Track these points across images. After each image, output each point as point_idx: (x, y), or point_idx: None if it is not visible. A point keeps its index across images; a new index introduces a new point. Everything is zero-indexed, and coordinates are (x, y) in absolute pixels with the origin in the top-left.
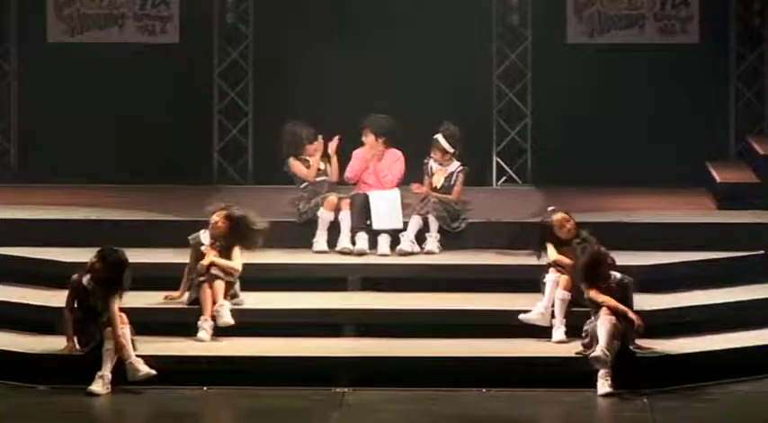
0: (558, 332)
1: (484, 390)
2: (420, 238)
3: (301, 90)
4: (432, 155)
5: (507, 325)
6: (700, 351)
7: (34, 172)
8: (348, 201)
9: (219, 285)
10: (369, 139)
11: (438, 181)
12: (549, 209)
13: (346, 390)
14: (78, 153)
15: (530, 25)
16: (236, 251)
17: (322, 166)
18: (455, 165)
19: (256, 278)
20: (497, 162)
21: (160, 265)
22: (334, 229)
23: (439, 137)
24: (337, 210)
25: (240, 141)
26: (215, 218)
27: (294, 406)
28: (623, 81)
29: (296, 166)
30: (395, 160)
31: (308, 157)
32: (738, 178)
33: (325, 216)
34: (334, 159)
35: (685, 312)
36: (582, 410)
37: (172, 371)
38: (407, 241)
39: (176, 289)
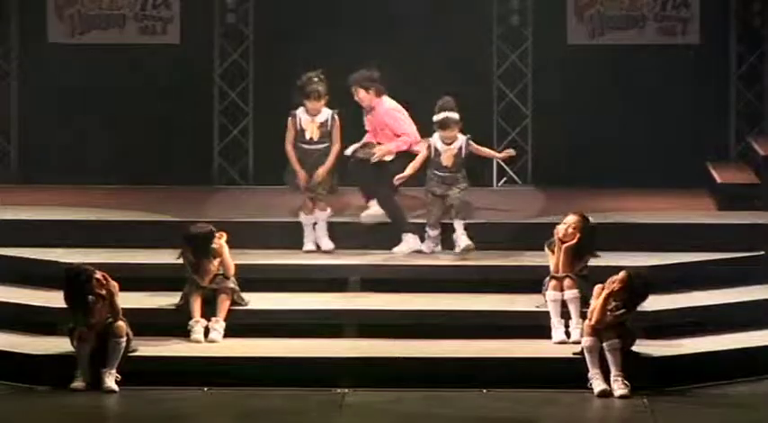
0: (558, 332)
1: (484, 390)
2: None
3: None
4: (442, 134)
5: (507, 325)
6: (700, 351)
7: (34, 172)
8: (323, 202)
9: (225, 302)
10: (360, 95)
11: (449, 159)
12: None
13: (347, 390)
14: (78, 153)
15: (530, 26)
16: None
17: (315, 135)
18: (461, 138)
19: (256, 278)
20: (497, 162)
21: (160, 265)
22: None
23: (450, 114)
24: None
25: (240, 142)
26: (216, 244)
27: (294, 406)
28: (623, 81)
29: (288, 130)
30: (387, 111)
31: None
32: (739, 179)
33: (304, 220)
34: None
35: (685, 313)
36: (582, 411)
37: (172, 371)
38: (431, 241)
39: (176, 290)
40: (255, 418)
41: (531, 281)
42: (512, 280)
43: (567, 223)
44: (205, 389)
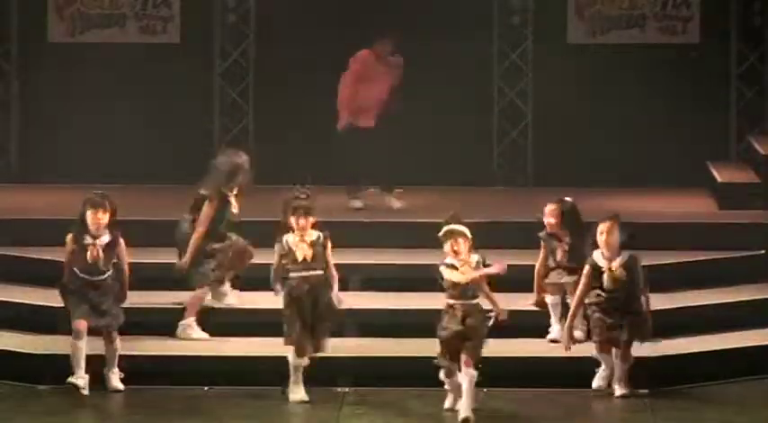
0: (554, 330)
1: (484, 390)
2: None
3: (302, 90)
4: (454, 249)
5: (507, 325)
6: (700, 351)
7: (35, 172)
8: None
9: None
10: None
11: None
12: (566, 198)
13: (347, 390)
14: (79, 153)
15: (531, 25)
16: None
17: (308, 255)
18: (475, 257)
19: (257, 278)
20: (497, 162)
21: (160, 265)
22: None
23: (461, 228)
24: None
25: (241, 142)
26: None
27: (295, 406)
28: (624, 81)
29: (276, 257)
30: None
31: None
32: (739, 178)
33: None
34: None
35: (685, 313)
36: (582, 410)
37: (172, 371)
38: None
39: (175, 290)
40: (256, 418)
41: (530, 281)
42: (512, 280)
43: (546, 214)
44: (205, 388)
